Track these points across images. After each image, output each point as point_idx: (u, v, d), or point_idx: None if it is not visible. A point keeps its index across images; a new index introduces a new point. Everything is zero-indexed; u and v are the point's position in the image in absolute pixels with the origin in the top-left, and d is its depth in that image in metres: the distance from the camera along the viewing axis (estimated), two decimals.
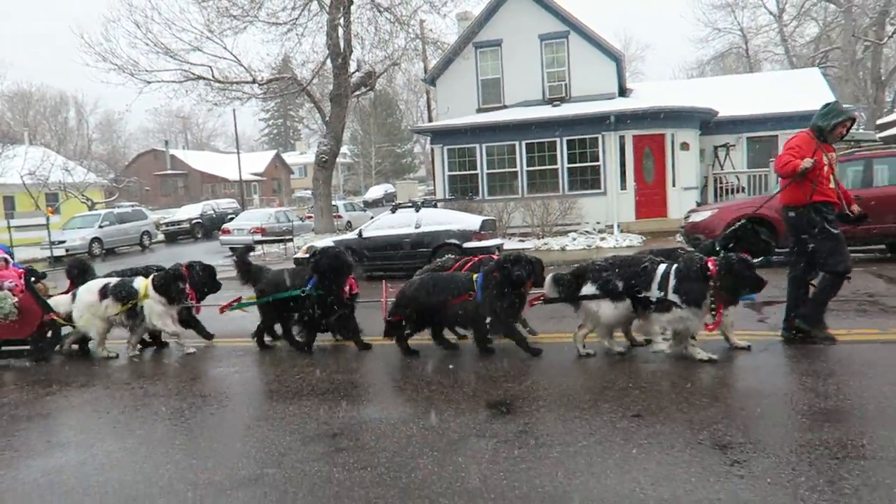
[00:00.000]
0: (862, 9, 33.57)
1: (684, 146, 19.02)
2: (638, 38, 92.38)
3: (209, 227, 31.56)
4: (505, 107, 20.70)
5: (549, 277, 5.87)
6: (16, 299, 6.96)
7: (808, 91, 21.93)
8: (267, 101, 32.60)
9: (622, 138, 18.20)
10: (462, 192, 19.12)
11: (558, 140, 18.61)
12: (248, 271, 7.08)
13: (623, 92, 21.46)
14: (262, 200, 51.96)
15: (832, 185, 5.57)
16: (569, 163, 18.64)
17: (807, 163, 5.34)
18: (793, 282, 5.78)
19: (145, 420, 4.80)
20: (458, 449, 3.81)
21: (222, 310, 7.22)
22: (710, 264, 5.21)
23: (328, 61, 21.82)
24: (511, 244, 14.77)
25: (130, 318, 6.92)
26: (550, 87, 20.63)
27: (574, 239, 16.40)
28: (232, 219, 27.36)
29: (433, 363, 5.92)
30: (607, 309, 5.50)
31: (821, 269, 5.57)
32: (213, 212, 33.01)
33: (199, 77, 21.90)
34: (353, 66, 22.43)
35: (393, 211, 14.13)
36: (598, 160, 18.43)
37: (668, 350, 5.47)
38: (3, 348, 7.33)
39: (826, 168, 5.50)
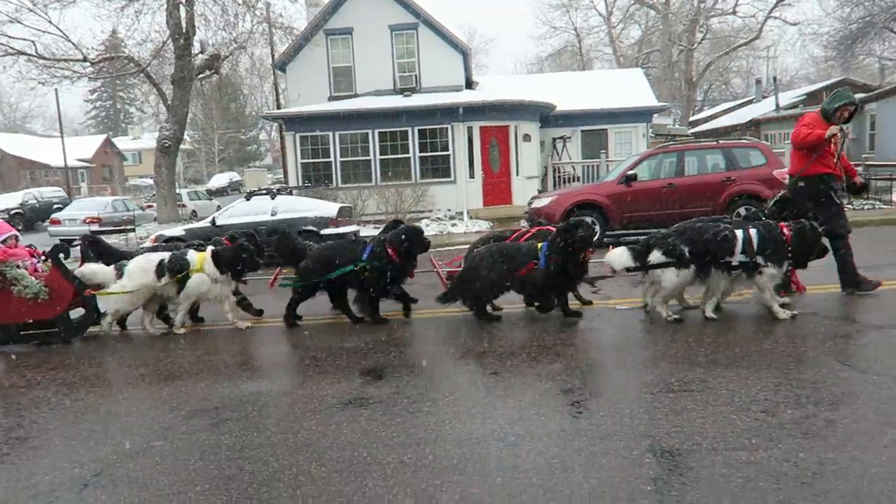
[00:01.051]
0: (677, 16, 37.45)
1: (527, 138, 20.36)
2: (482, 32, 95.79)
3: (32, 218, 28.88)
4: (357, 95, 20.93)
5: (621, 248, 6.07)
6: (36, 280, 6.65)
7: (633, 89, 24.26)
8: (99, 80, 30.26)
9: (470, 129, 19.14)
10: (316, 179, 19.16)
11: (410, 130, 19.18)
12: (291, 253, 6.96)
13: (469, 84, 22.48)
14: (91, 189, 48.02)
15: (835, 161, 6.36)
16: (420, 152, 19.29)
17: (833, 130, 6.19)
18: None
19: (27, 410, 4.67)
20: (338, 412, 4.17)
21: (272, 284, 7.65)
22: (784, 230, 5.67)
23: (170, 42, 20.81)
24: (367, 231, 15.13)
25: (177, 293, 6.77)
26: (401, 78, 21.15)
27: (427, 225, 17.07)
28: (60, 208, 25.25)
29: (316, 341, 6.19)
30: (670, 275, 5.75)
31: (825, 234, 5.97)
32: (35, 201, 30.21)
33: (20, 52, 20.02)
34: (196, 48, 21.55)
35: (248, 198, 13.96)
36: (448, 150, 19.24)
37: (784, 314, 5.65)
38: (31, 331, 6.83)
39: (831, 145, 6.30)
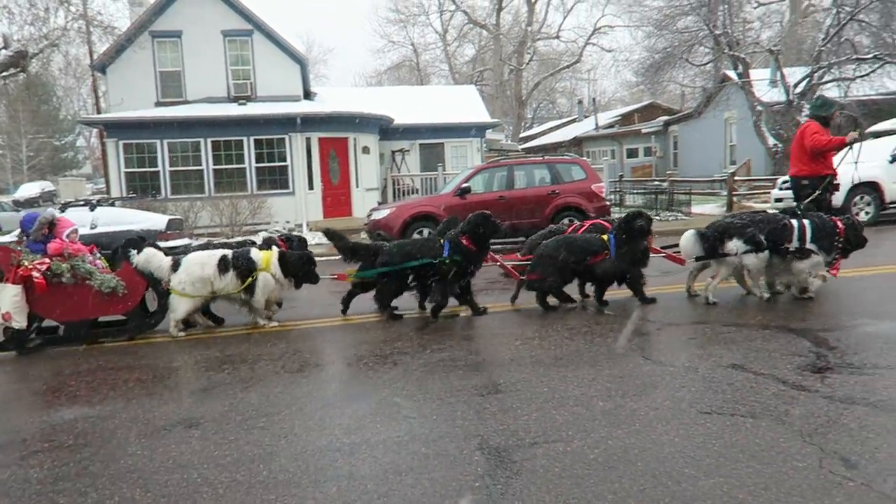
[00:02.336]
0: (507, 37, 39.59)
1: (366, 150, 20.50)
2: (322, 43, 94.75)
3: None
4: (187, 102, 19.90)
5: (690, 234, 6.65)
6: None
7: (467, 105, 25.29)
8: None
9: (308, 140, 18.92)
10: (142, 190, 17.94)
11: (246, 139, 18.60)
12: (352, 251, 7.00)
13: (308, 95, 22.22)
14: None
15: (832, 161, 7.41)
16: (257, 162, 18.76)
17: (852, 137, 7.31)
18: None
19: None
20: (167, 434, 3.98)
21: (343, 277, 7.31)
22: (838, 223, 6.43)
23: None
24: (200, 243, 14.40)
25: (248, 293, 6.55)
26: (236, 85, 20.43)
27: None
28: None
29: (144, 360, 5.81)
30: (752, 259, 6.40)
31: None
32: None
33: None
34: None
35: (62, 210, 12.75)
36: (286, 161, 18.88)
37: (813, 290, 6.51)
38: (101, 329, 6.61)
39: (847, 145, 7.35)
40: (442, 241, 6.77)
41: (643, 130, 32.92)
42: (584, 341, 5.57)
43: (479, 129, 23.96)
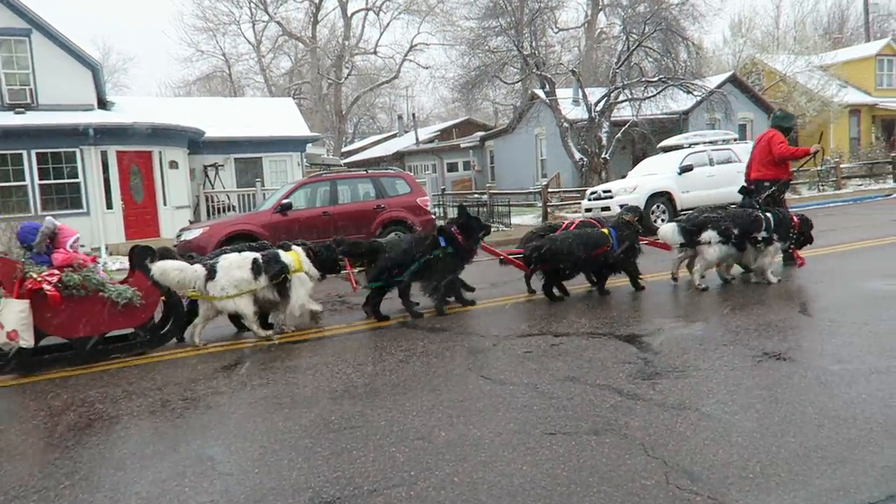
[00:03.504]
0: (324, 51, 38.98)
1: (174, 165, 18.88)
2: (120, 49, 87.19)
3: None
4: None
5: (671, 226, 7.47)
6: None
7: (285, 118, 24.36)
8: None
9: (105, 154, 17.02)
10: None
11: (26, 153, 16.30)
12: (361, 253, 7.20)
13: (104, 104, 20.04)
14: None
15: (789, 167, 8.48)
16: (41, 179, 16.50)
17: (815, 147, 8.24)
18: None
19: None
20: None
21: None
22: (794, 217, 7.63)
23: None
24: None
25: (280, 294, 6.43)
26: (11, 91, 17.81)
27: None
28: None
29: None
30: (723, 249, 7.24)
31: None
32: None
33: None
34: None
35: None
36: (77, 177, 16.81)
37: (776, 279, 7.41)
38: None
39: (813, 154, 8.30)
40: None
41: (462, 145, 33.94)
42: (421, 364, 5.27)
43: (298, 143, 23.14)
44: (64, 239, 6.26)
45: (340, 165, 25.41)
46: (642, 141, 24.41)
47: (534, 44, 22.93)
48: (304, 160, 23.91)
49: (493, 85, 27.48)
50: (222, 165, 21.98)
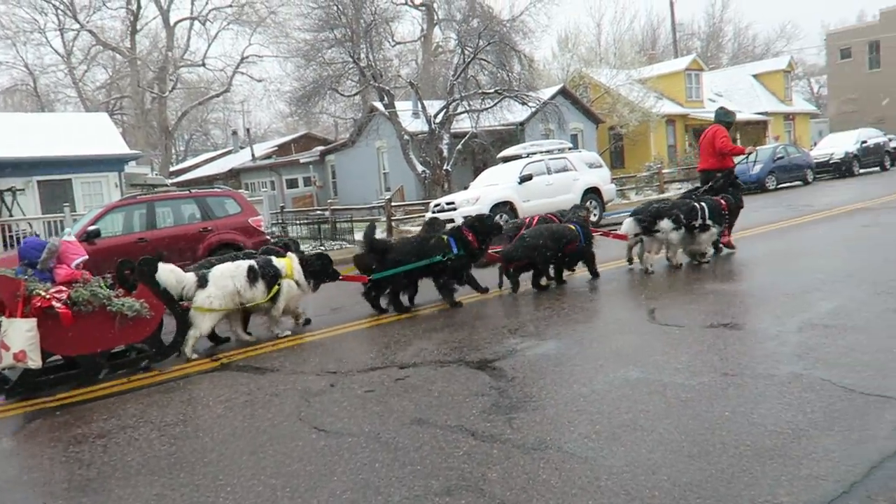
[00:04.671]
0: (145, 62, 35.99)
1: None
2: None
3: None
4: None
5: (630, 219, 8.29)
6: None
7: (100, 135, 21.93)
8: None
9: None
10: None
11: None
12: (375, 249, 7.41)
13: None
14: None
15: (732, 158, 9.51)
16: None
17: (749, 149, 9.95)
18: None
19: None
20: None
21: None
22: (721, 201, 8.43)
23: None
24: None
25: (273, 301, 6.48)
26: None
27: None
28: None
29: None
30: (676, 235, 8.04)
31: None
32: None
33: None
34: None
35: None
36: None
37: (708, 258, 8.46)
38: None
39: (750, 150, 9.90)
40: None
41: (301, 160, 32.64)
42: (243, 417, 4.43)
43: (115, 162, 20.88)
44: (72, 257, 6.12)
45: (166, 185, 23.25)
46: (483, 152, 24.71)
47: (370, 56, 22.45)
48: (124, 180, 21.62)
49: (332, 98, 26.67)
50: (22, 189, 19.23)
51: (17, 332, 5.29)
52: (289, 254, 6.85)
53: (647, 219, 8.11)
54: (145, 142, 35.95)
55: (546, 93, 26.91)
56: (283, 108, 39.68)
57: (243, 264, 6.46)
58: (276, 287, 6.46)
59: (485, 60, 23.00)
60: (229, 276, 6.29)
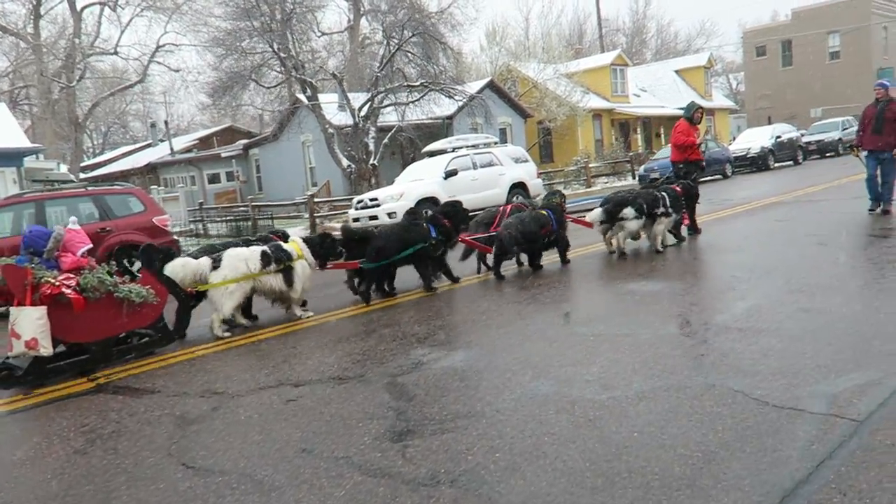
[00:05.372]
0: (51, 50, 33.77)
1: None
2: None
3: None
4: None
5: (599, 209, 8.65)
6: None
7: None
8: None
9: None
10: None
11: None
12: (354, 239, 7.59)
13: None
14: None
15: (701, 150, 10.41)
16: None
17: (700, 137, 10.24)
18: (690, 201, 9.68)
19: None
20: None
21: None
22: (677, 188, 9.03)
23: None
24: None
25: (289, 285, 6.66)
26: None
27: None
28: None
29: None
30: (637, 224, 8.49)
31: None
32: None
33: None
34: None
35: None
36: None
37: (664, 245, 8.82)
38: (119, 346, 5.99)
39: (702, 140, 10.25)
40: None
41: (223, 155, 31.38)
42: (104, 452, 3.87)
43: (12, 157, 19.38)
44: (78, 245, 6.23)
45: (72, 181, 21.75)
46: (411, 146, 24.29)
47: (292, 46, 21.62)
48: (24, 176, 20.11)
49: (256, 90, 25.62)
50: None
51: (27, 320, 5.27)
52: (293, 236, 7.19)
53: (613, 208, 8.57)
54: (54, 134, 33.75)
55: (474, 86, 26.69)
56: (203, 100, 38.04)
57: (256, 249, 6.68)
58: (289, 268, 6.67)
59: (411, 53, 22.54)
60: (244, 259, 6.51)
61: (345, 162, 21.94)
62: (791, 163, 26.38)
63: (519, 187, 16.93)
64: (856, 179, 16.27)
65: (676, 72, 42.13)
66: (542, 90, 31.28)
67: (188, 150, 34.83)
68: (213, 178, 32.01)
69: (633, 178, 26.10)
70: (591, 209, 9.07)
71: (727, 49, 74.90)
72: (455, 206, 8.18)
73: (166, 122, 35.98)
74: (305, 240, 7.10)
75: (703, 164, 10.77)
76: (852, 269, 6.60)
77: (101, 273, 5.77)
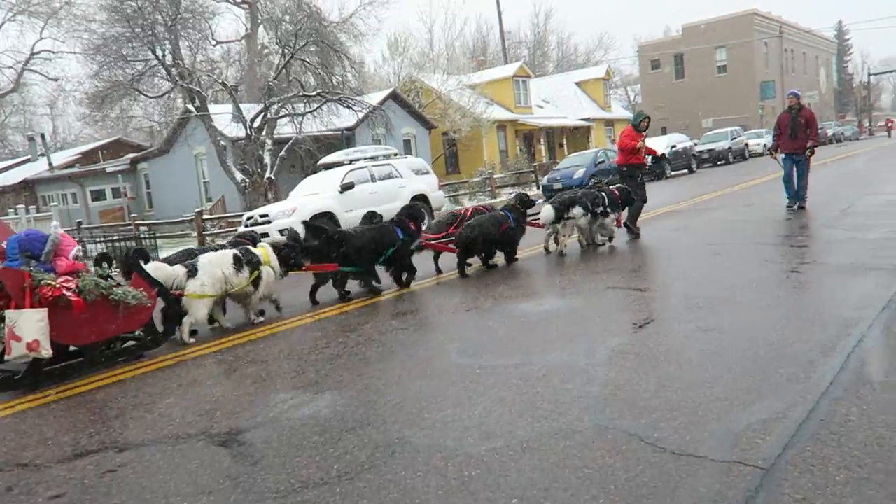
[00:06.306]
0: None
1: None
2: None
3: None
4: None
5: (548, 207, 9.21)
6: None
7: None
8: None
9: None
10: None
11: None
12: (330, 241, 7.54)
13: None
14: None
15: (644, 155, 10.45)
16: None
17: (640, 143, 10.21)
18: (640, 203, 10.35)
19: None
20: None
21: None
22: (615, 191, 9.62)
23: None
24: None
25: (254, 287, 6.78)
26: None
27: None
28: None
29: None
30: (585, 220, 9.23)
31: (635, 198, 10.02)
32: None
33: None
34: None
35: None
36: None
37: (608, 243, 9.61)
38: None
39: (641, 146, 10.28)
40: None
41: (108, 169, 29.24)
42: None
43: None
44: (67, 248, 6.30)
45: None
46: (310, 159, 23.33)
47: (185, 55, 20.28)
48: None
49: (143, 101, 23.90)
50: None
51: (28, 323, 5.24)
52: (262, 242, 7.32)
53: (561, 207, 9.13)
54: None
55: (376, 97, 26.06)
56: (84, 111, 35.45)
57: (228, 253, 6.72)
58: (257, 273, 6.77)
59: (307, 62, 21.67)
60: (218, 264, 6.53)
61: (238, 176, 20.75)
62: (686, 171, 27.22)
63: (420, 200, 16.36)
64: (746, 187, 16.77)
65: (577, 84, 43.06)
66: (446, 101, 31.03)
67: (70, 164, 32.30)
68: (98, 195, 29.76)
69: (538, 188, 26.14)
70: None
71: (624, 62, 77.93)
72: (415, 208, 8.57)
73: (43, 136, 33.30)
74: (276, 247, 7.29)
75: (646, 166, 11.12)
76: (748, 282, 6.38)
77: (96, 276, 5.83)
